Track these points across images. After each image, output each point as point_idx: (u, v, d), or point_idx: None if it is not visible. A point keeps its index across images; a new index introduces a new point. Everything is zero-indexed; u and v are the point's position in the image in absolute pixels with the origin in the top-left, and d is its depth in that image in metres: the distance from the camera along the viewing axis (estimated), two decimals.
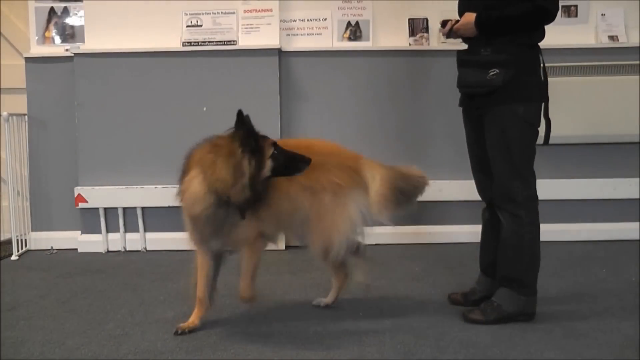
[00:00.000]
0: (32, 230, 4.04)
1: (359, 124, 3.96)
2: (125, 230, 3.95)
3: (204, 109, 3.83)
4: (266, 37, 3.87)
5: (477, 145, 2.64)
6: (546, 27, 2.52)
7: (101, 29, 3.87)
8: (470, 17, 2.45)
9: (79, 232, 3.99)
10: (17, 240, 3.91)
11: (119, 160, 3.89)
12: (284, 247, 3.69)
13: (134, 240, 3.95)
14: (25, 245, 3.99)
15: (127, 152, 3.89)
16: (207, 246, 2.48)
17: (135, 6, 3.87)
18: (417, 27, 3.98)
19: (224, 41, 3.88)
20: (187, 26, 3.90)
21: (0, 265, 3.65)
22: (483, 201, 2.74)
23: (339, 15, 3.99)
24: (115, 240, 3.95)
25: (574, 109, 3.72)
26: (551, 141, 2.59)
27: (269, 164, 2.33)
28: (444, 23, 2.60)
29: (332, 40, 3.99)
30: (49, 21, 4.03)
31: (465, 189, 3.58)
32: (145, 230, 3.95)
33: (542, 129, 2.54)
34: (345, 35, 3.99)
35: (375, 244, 3.96)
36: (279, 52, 3.86)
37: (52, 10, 4.02)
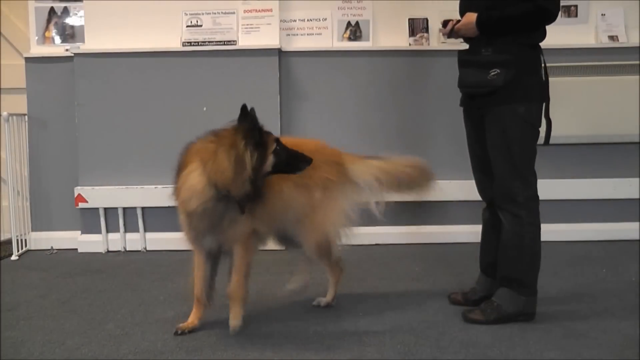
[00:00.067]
0: (32, 230, 4.04)
1: (359, 123, 3.96)
2: (125, 230, 3.95)
3: (204, 109, 3.83)
4: (266, 37, 3.87)
5: (477, 145, 2.64)
6: (546, 27, 2.52)
7: (101, 29, 3.87)
8: (472, 17, 2.45)
9: (79, 232, 3.99)
10: (17, 240, 3.91)
11: (119, 160, 3.89)
12: (284, 247, 3.68)
13: (134, 240, 3.95)
14: (25, 245, 3.99)
15: (127, 152, 3.89)
16: (202, 244, 2.45)
17: (135, 6, 3.88)
18: (417, 27, 3.98)
19: (224, 41, 3.88)
20: (187, 26, 3.90)
21: (0, 265, 3.65)
22: (483, 201, 2.74)
23: (339, 15, 3.99)
24: (115, 240, 3.95)
25: (574, 109, 3.72)
26: (551, 141, 2.59)
27: (271, 159, 2.32)
28: (445, 23, 2.59)
29: (332, 40, 3.99)
30: (49, 21, 4.03)
31: (465, 189, 3.59)
32: (145, 230, 3.95)
33: (542, 129, 2.54)
34: (345, 35, 3.99)
35: (375, 244, 3.98)
36: (279, 52, 3.86)
37: (52, 10, 4.02)
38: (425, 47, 3.94)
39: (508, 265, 2.53)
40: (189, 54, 3.86)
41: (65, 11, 4.04)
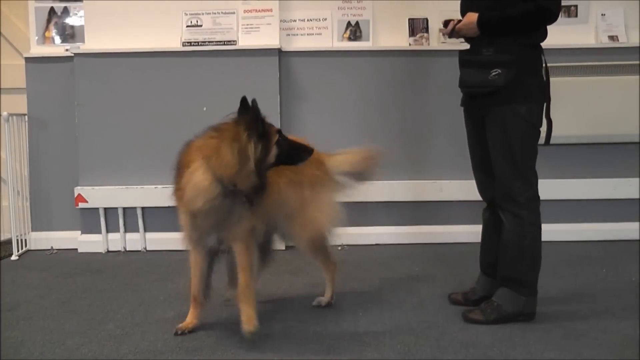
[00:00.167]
0: (32, 230, 4.04)
1: (359, 123, 3.96)
2: (125, 230, 3.96)
3: (204, 109, 3.82)
4: (266, 37, 3.87)
5: (478, 145, 2.64)
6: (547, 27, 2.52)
7: (101, 29, 3.87)
8: (473, 17, 2.45)
9: (79, 232, 3.99)
10: (17, 240, 3.91)
11: (119, 160, 3.89)
12: (284, 247, 3.69)
13: (134, 240, 3.96)
14: (25, 245, 3.99)
15: (127, 152, 3.89)
16: (203, 243, 2.43)
17: (135, 6, 3.88)
18: (417, 27, 3.97)
19: (224, 41, 3.88)
20: (187, 26, 3.90)
21: (0, 265, 3.65)
22: (484, 201, 2.74)
23: (339, 15, 3.99)
24: (115, 240, 3.95)
25: (574, 109, 3.71)
26: (551, 141, 2.59)
27: (274, 150, 2.30)
28: (446, 23, 2.59)
29: (332, 40, 3.99)
30: (49, 21, 4.03)
31: (465, 189, 3.59)
32: (145, 230, 3.95)
33: (543, 129, 2.53)
34: (345, 35, 3.99)
35: (375, 244, 3.98)
36: (279, 52, 3.86)
37: (52, 10, 4.02)
38: (425, 47, 3.94)
39: (508, 265, 2.53)
40: (189, 54, 3.86)
41: (65, 11, 4.04)
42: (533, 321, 2.53)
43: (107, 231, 3.95)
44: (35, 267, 3.61)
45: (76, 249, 3.95)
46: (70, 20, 4.06)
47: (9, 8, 4.26)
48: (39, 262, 3.74)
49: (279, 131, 2.36)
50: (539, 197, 2.52)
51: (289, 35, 3.98)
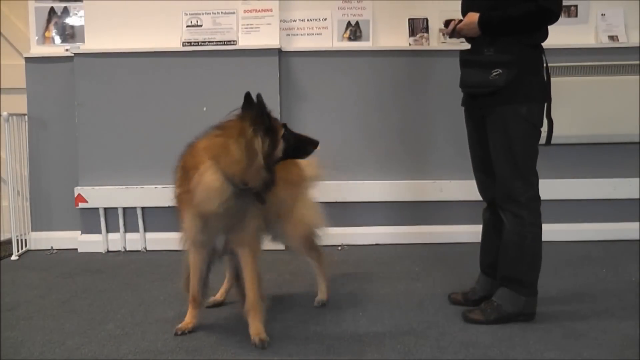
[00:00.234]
0: (32, 230, 4.04)
1: (359, 124, 3.96)
2: (125, 230, 3.96)
3: (204, 109, 3.82)
4: (266, 37, 3.87)
5: (478, 145, 2.64)
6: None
7: (101, 29, 3.87)
8: (474, 17, 2.45)
9: (79, 232, 3.99)
10: (17, 240, 3.91)
11: (119, 160, 3.89)
12: (284, 247, 3.68)
13: (134, 240, 3.96)
14: (25, 245, 3.99)
15: (127, 152, 3.89)
16: (211, 245, 2.40)
17: (135, 6, 3.87)
18: (417, 27, 3.97)
19: (224, 41, 3.88)
20: (187, 26, 3.90)
21: (0, 265, 3.65)
22: (484, 201, 2.74)
23: (339, 15, 3.99)
24: (115, 240, 3.95)
25: (574, 109, 3.71)
26: (552, 141, 2.59)
27: (281, 144, 2.28)
28: (447, 23, 2.59)
29: (332, 40, 3.99)
30: (49, 21, 4.03)
31: (465, 189, 3.59)
32: (145, 230, 3.95)
33: (544, 129, 2.53)
34: (345, 35, 3.99)
35: (375, 244, 3.98)
36: (279, 52, 3.86)
37: (52, 10, 4.03)
38: (425, 47, 3.94)
39: (509, 265, 2.53)
40: (189, 54, 3.86)
41: (65, 11, 4.04)
42: (533, 321, 2.53)
43: (107, 231, 3.95)
44: (35, 267, 3.61)
45: (76, 249, 3.95)
46: (70, 20, 4.06)
47: (9, 8, 4.26)
48: (39, 262, 3.74)
49: (285, 125, 2.34)
50: (539, 197, 2.52)
51: (289, 35, 3.98)
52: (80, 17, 4.00)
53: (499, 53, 2.43)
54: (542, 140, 2.54)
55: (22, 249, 3.93)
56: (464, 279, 3.04)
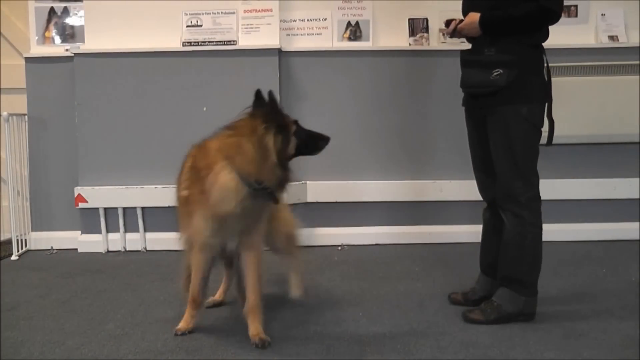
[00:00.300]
0: (32, 230, 4.04)
1: (359, 124, 3.96)
2: (125, 230, 3.95)
3: (204, 109, 3.83)
4: (266, 37, 3.87)
5: (479, 145, 2.63)
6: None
7: (101, 29, 3.87)
8: (475, 16, 2.45)
9: (79, 232, 3.99)
10: (17, 240, 3.91)
11: (119, 160, 3.89)
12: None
13: (134, 240, 3.95)
14: (25, 245, 3.99)
15: (127, 152, 3.89)
16: (219, 247, 2.37)
17: (135, 6, 3.87)
18: (417, 27, 3.97)
19: (224, 41, 3.88)
20: (187, 26, 3.90)
21: (0, 265, 3.65)
22: (484, 201, 2.74)
23: (339, 15, 3.99)
24: (115, 240, 3.95)
25: (573, 109, 3.71)
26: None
27: (293, 141, 2.26)
28: (447, 22, 2.59)
29: (332, 40, 3.99)
30: (49, 21, 4.03)
31: (465, 189, 3.59)
32: (145, 230, 3.95)
33: (545, 130, 2.53)
34: (345, 35, 3.99)
35: (375, 244, 3.98)
36: (279, 52, 3.86)
37: (52, 10, 4.03)
38: (425, 47, 3.94)
39: (509, 265, 2.53)
40: (189, 54, 3.86)
41: (65, 11, 4.04)
42: (533, 321, 2.53)
43: (107, 231, 3.95)
44: (35, 267, 3.61)
45: (76, 249, 3.95)
46: (70, 20, 4.06)
47: (9, 8, 4.26)
48: (39, 262, 3.74)
49: (296, 122, 2.32)
50: (540, 197, 2.52)
51: (289, 35, 3.98)
52: (80, 17, 4.00)
53: (499, 53, 2.42)
54: (543, 140, 2.53)
55: (22, 249, 3.93)
56: (464, 279, 3.04)
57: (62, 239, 4.01)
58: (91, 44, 3.88)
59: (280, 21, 3.92)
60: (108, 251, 3.94)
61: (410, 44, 3.96)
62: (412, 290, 3.01)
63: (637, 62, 3.82)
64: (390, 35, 3.99)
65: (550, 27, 2.50)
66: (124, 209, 3.93)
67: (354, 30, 3.98)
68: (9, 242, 3.94)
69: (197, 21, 3.89)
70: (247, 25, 3.88)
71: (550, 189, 3.64)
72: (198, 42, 3.88)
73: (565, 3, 3.90)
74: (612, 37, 3.96)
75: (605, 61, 3.85)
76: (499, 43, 2.43)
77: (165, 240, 3.83)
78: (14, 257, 3.81)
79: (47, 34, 4.05)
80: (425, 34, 3.97)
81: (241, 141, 2.17)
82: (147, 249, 3.95)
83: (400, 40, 3.98)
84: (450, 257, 3.62)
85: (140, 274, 3.40)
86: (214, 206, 2.21)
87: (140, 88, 3.87)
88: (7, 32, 4.30)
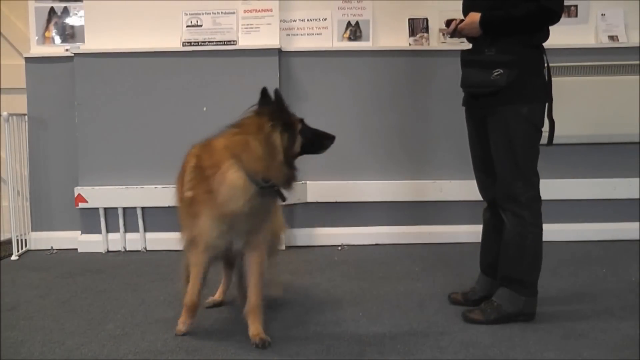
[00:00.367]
0: (32, 230, 4.04)
1: (359, 124, 3.96)
2: (125, 230, 3.95)
3: (204, 109, 3.83)
4: (266, 37, 3.87)
5: (479, 145, 2.63)
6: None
7: (101, 29, 3.87)
8: (475, 16, 2.45)
9: (79, 232, 3.99)
10: (17, 240, 3.91)
11: (119, 160, 3.89)
12: (284, 247, 3.69)
13: (134, 240, 3.95)
14: (25, 245, 3.99)
15: (127, 152, 3.89)
16: (223, 248, 2.34)
17: (135, 6, 3.87)
18: (417, 27, 3.97)
19: (224, 41, 3.88)
20: (187, 26, 3.90)
21: (0, 265, 3.65)
22: (484, 201, 2.74)
23: (339, 15, 3.99)
24: (115, 240, 3.95)
25: (574, 109, 3.71)
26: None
27: (299, 139, 2.25)
28: (448, 22, 2.59)
29: (332, 40, 3.99)
30: (49, 21, 4.03)
31: (465, 189, 3.59)
32: (145, 230, 3.95)
33: (545, 130, 2.53)
34: (345, 35, 3.99)
35: (375, 244, 3.98)
36: (279, 52, 3.86)
37: (52, 10, 4.02)
38: (425, 47, 3.94)
39: (509, 265, 2.53)
40: (189, 54, 3.86)
41: (65, 11, 4.04)
42: (533, 321, 2.53)
43: (107, 231, 3.95)
44: (35, 267, 3.61)
45: (76, 249, 3.95)
46: (70, 20, 4.06)
47: (9, 8, 4.26)
48: (39, 262, 3.74)
49: (302, 120, 2.31)
50: (540, 197, 2.52)
51: (289, 35, 3.98)
52: (80, 17, 4.00)
53: (500, 53, 2.42)
54: (544, 140, 2.53)
55: (22, 249, 3.93)
56: (464, 279, 3.04)
57: (62, 239, 4.01)
58: (91, 44, 3.88)
59: (280, 21, 3.92)
60: (108, 251, 3.94)
61: (410, 44, 3.96)
62: (412, 290, 3.01)
63: (637, 62, 3.82)
64: (390, 35, 3.99)
65: (550, 27, 2.50)
66: (124, 209, 3.93)
67: (354, 30, 3.98)
68: (9, 242, 3.94)
69: (197, 21, 3.89)
70: (247, 25, 3.88)
71: (550, 189, 3.64)
72: (198, 42, 3.88)
73: (565, 3, 3.90)
74: (612, 37, 3.96)
75: (605, 61, 3.85)
76: (500, 43, 2.43)
77: (165, 240, 3.83)
78: (14, 257, 3.81)
79: (47, 34, 4.04)
80: (425, 34, 3.97)
81: (248, 139, 2.16)
82: (147, 249, 3.95)
83: (400, 40, 3.98)
84: (450, 257, 3.62)
85: (140, 274, 3.40)
86: (222, 205, 2.19)
87: (140, 88, 3.86)
88: (7, 32, 4.30)
